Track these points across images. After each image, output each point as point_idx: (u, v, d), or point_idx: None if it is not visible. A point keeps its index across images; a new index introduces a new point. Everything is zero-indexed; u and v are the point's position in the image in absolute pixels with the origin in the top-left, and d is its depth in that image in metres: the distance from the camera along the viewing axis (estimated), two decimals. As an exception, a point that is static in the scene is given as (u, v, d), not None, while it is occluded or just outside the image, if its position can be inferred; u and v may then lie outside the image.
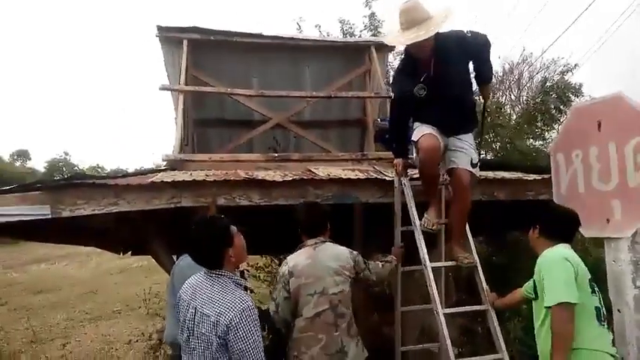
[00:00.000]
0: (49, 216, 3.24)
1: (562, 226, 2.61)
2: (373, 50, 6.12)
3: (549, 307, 2.37)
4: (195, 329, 2.11)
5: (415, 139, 3.29)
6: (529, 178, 3.95)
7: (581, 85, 10.61)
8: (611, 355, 2.41)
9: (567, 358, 2.31)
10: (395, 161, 3.57)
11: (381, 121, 5.70)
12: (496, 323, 3.11)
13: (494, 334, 3.09)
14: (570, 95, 9.71)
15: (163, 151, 6.21)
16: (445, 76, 3.16)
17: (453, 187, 3.34)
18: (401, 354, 3.71)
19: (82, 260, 21.44)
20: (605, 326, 2.47)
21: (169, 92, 5.61)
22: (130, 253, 7.45)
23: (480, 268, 3.27)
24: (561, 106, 9.52)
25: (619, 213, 2.55)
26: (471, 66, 3.34)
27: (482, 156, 4.24)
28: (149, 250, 4.97)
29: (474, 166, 3.29)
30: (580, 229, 2.82)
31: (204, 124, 5.92)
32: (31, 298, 12.16)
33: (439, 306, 3.05)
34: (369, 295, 5.44)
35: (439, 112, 3.23)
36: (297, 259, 2.97)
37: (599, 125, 2.83)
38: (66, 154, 38.90)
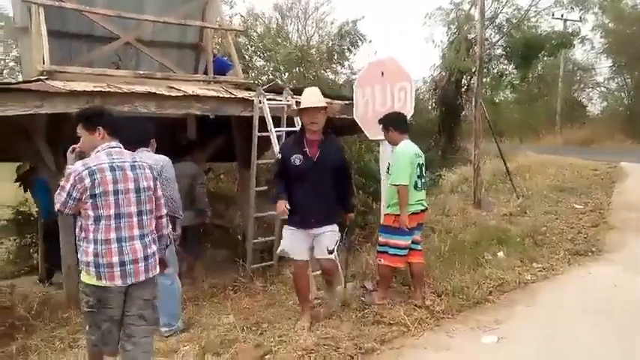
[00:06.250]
0: None
1: (404, 122, 4.39)
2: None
3: (395, 185, 4.10)
4: None
5: (286, 256, 4.11)
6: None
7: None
8: (421, 204, 4.28)
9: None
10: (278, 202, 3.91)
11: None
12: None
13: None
14: (359, 40, 12.21)
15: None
16: (322, 163, 3.84)
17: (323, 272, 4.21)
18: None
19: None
20: (420, 190, 4.26)
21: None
22: None
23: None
24: (352, 48, 11.95)
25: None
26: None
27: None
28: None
29: (330, 252, 3.93)
30: (367, 134, 4.85)
31: (59, 36, 6.01)
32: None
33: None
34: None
35: (307, 195, 3.83)
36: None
37: (382, 73, 4.87)
38: None
